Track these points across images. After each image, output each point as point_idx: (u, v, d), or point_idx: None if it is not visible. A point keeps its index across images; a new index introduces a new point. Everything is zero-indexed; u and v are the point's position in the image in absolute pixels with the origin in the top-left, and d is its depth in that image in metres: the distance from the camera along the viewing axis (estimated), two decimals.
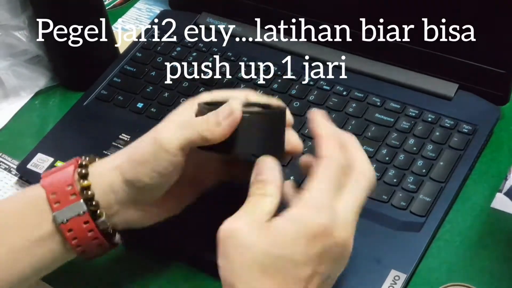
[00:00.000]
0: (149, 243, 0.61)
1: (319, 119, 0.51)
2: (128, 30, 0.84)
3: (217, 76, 0.74)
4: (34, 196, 0.53)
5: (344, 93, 0.70)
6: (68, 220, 0.51)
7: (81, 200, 0.51)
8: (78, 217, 0.51)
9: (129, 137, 0.69)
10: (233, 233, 0.45)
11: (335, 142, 0.49)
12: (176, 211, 0.56)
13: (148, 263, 0.61)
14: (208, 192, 0.57)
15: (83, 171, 0.52)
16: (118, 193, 0.52)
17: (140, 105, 0.73)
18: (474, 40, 0.66)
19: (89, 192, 0.52)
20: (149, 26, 0.81)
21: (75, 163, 0.54)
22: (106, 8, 0.77)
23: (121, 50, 0.79)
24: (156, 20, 0.82)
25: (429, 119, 0.66)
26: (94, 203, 0.52)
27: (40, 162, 0.69)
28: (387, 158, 0.64)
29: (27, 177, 0.69)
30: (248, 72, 0.74)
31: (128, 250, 0.61)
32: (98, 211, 0.52)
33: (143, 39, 0.79)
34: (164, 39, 0.78)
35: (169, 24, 0.80)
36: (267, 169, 0.49)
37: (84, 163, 0.53)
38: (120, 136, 0.70)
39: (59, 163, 0.68)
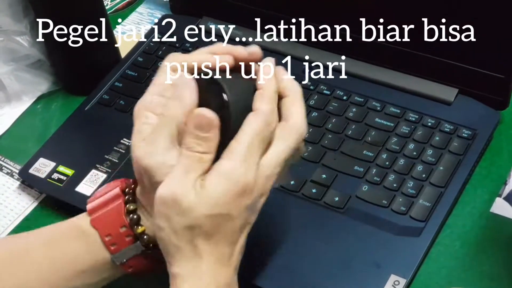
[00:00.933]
0: None
1: (266, 71, 0.51)
2: (130, 34, 0.85)
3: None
4: (88, 236, 0.52)
5: (344, 97, 0.70)
6: (128, 260, 0.52)
7: (138, 242, 0.52)
8: (137, 256, 0.52)
9: (130, 142, 0.69)
10: (173, 196, 0.46)
11: (272, 96, 0.50)
12: None
13: None
14: None
15: (135, 216, 0.52)
16: None
17: None
18: (474, 45, 0.66)
19: (145, 237, 0.52)
20: (151, 31, 0.81)
21: (122, 197, 0.53)
22: (108, 12, 0.78)
23: (123, 55, 0.79)
24: (157, 25, 0.82)
25: (429, 124, 0.66)
26: (150, 245, 0.52)
27: (42, 166, 0.69)
28: (387, 163, 0.64)
29: (29, 182, 0.70)
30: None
31: None
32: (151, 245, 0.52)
33: (144, 43, 0.79)
34: (166, 43, 0.79)
35: (170, 29, 0.80)
36: (210, 125, 0.48)
37: (131, 198, 0.52)
38: (122, 141, 0.70)
39: (61, 168, 0.69)
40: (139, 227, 0.52)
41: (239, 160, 0.47)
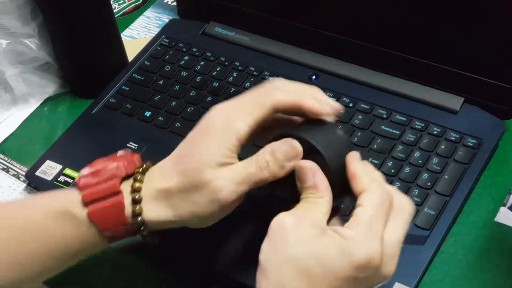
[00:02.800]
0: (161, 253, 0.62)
1: (353, 159, 0.50)
2: (137, 38, 0.85)
3: (225, 85, 0.74)
4: (84, 226, 0.52)
5: (351, 104, 0.70)
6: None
7: (137, 236, 0.52)
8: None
9: (136, 145, 0.70)
10: (287, 226, 0.46)
11: (371, 178, 0.49)
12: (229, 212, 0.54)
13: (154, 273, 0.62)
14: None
15: (137, 208, 0.51)
16: (170, 226, 0.53)
17: (148, 113, 0.73)
18: (481, 54, 0.66)
19: (143, 229, 0.52)
20: (158, 35, 0.81)
21: (121, 193, 0.52)
22: (115, 16, 0.78)
23: (130, 58, 0.79)
24: (164, 29, 0.82)
25: (435, 132, 0.67)
26: (145, 233, 0.52)
27: (49, 169, 0.69)
28: (392, 171, 0.64)
29: (35, 184, 0.70)
30: (255, 81, 0.74)
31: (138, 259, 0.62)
32: (143, 232, 0.52)
33: (151, 47, 0.80)
34: (172, 47, 0.79)
35: (177, 33, 0.81)
36: (313, 173, 0.49)
37: (136, 197, 0.52)
38: (128, 145, 0.70)
39: (68, 171, 0.69)
40: (142, 229, 0.52)
41: (361, 230, 0.46)
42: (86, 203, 0.52)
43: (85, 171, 0.53)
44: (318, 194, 0.49)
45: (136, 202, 0.51)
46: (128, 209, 0.51)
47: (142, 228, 0.52)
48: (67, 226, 0.52)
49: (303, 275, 0.45)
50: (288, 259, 0.45)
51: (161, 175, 0.52)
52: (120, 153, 0.55)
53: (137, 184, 0.52)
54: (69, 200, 0.52)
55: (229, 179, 0.50)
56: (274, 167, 0.50)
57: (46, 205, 0.53)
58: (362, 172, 0.49)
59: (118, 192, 0.52)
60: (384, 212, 0.47)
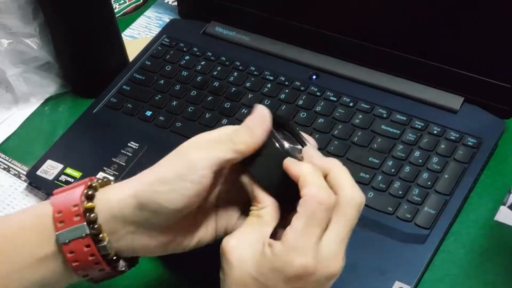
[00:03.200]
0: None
1: (289, 165, 0.49)
2: (138, 38, 0.85)
3: (225, 85, 0.75)
4: (42, 213, 0.51)
5: (351, 104, 0.71)
6: (70, 241, 0.49)
7: (85, 223, 0.49)
8: (79, 239, 0.49)
9: (137, 145, 0.70)
10: (229, 249, 0.48)
11: (315, 177, 0.48)
12: (185, 248, 0.53)
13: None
14: None
15: (90, 192, 0.50)
16: (127, 218, 0.50)
17: (148, 113, 0.73)
18: (481, 54, 0.67)
19: (92, 215, 0.49)
20: (159, 35, 0.82)
21: (86, 182, 0.51)
22: (116, 16, 0.78)
23: (131, 58, 0.80)
24: (165, 29, 0.83)
25: (435, 132, 0.67)
26: (96, 226, 0.49)
27: (50, 168, 0.70)
28: (392, 170, 0.64)
29: (36, 184, 0.70)
30: (255, 81, 0.75)
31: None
32: (101, 235, 0.50)
33: (152, 47, 0.80)
34: (173, 47, 0.79)
35: (178, 33, 0.81)
36: (251, 188, 0.50)
37: (94, 184, 0.51)
38: (129, 144, 0.71)
39: (69, 170, 0.69)
40: (89, 203, 0.50)
41: (290, 247, 0.46)
42: (53, 195, 0.52)
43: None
44: (260, 206, 0.49)
45: (90, 187, 0.51)
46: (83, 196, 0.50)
47: (90, 208, 0.50)
48: (31, 219, 0.52)
49: None
50: (233, 283, 0.47)
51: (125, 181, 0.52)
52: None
53: (93, 184, 0.51)
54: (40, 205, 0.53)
55: (201, 139, 0.50)
56: (245, 132, 0.49)
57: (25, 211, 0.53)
58: (303, 174, 0.48)
59: (84, 182, 0.51)
60: (320, 216, 0.47)
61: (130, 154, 0.70)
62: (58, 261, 0.50)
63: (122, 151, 0.70)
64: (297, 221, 0.47)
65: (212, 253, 0.56)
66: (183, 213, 0.50)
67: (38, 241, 0.51)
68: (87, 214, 0.50)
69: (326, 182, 0.48)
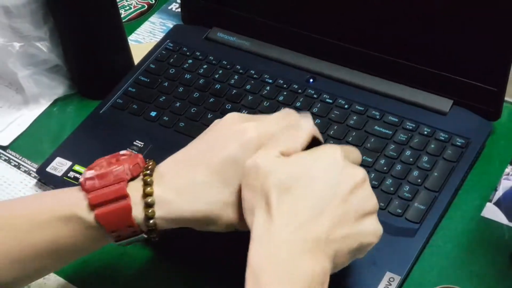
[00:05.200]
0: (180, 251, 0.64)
1: None
2: (143, 42, 0.88)
3: (226, 87, 0.77)
4: (93, 233, 0.52)
5: (346, 106, 0.73)
6: (129, 243, 0.53)
7: (142, 234, 0.53)
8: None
9: (142, 143, 0.73)
10: (256, 164, 0.49)
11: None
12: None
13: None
14: None
15: (150, 211, 0.52)
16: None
17: (153, 113, 0.76)
18: (469, 59, 0.69)
19: (152, 230, 0.52)
20: (163, 39, 0.84)
21: (129, 197, 0.52)
22: (122, 21, 0.80)
23: (136, 62, 0.82)
24: (169, 34, 0.85)
25: (425, 132, 0.69)
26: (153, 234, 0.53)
27: (59, 165, 0.72)
28: (385, 168, 0.67)
29: (46, 180, 0.73)
30: (255, 84, 0.77)
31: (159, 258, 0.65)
32: (153, 227, 0.52)
33: (156, 51, 0.82)
34: (176, 51, 0.82)
35: (181, 38, 0.83)
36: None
37: (149, 200, 0.52)
38: (134, 143, 0.73)
39: (77, 167, 0.72)
40: (151, 220, 0.52)
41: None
42: (93, 206, 0.52)
43: (90, 173, 0.53)
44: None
45: (148, 206, 0.52)
46: (137, 211, 0.52)
47: (153, 229, 0.52)
48: (75, 229, 0.52)
49: (290, 192, 0.48)
50: (271, 187, 0.48)
51: (172, 173, 0.53)
52: (123, 152, 0.56)
53: (148, 189, 0.52)
54: (75, 203, 0.52)
55: None
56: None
57: (51, 207, 0.53)
58: None
59: (125, 196, 0.52)
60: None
61: (136, 152, 0.72)
62: (90, 216, 0.52)
63: (128, 149, 0.72)
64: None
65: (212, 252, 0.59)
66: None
67: (85, 243, 0.53)
68: (150, 228, 0.52)
69: None
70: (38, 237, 0.53)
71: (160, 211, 0.52)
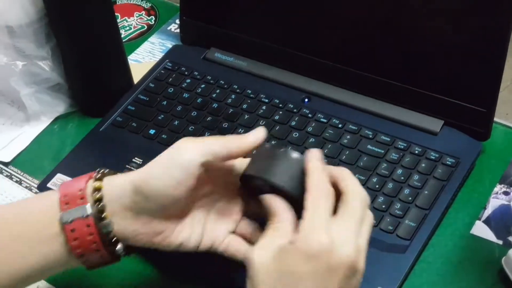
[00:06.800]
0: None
1: (312, 155, 0.55)
2: (142, 62, 0.89)
3: (223, 106, 0.79)
4: (49, 198, 0.56)
5: (340, 125, 0.75)
6: (72, 221, 0.54)
7: (88, 204, 0.54)
8: (82, 219, 0.54)
9: (141, 160, 0.74)
10: (252, 260, 0.51)
11: (323, 175, 0.53)
12: (170, 245, 0.57)
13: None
14: None
15: (98, 176, 0.56)
16: (125, 202, 0.55)
17: (152, 131, 0.78)
18: (459, 80, 0.71)
19: (99, 194, 0.55)
20: (162, 59, 0.86)
21: (92, 173, 0.57)
22: (123, 41, 0.82)
23: (136, 81, 0.83)
24: (168, 54, 0.87)
25: (416, 152, 0.71)
26: (101, 204, 0.54)
27: (60, 181, 0.73)
28: (377, 186, 0.69)
29: None
30: (252, 103, 0.79)
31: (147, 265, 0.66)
32: (104, 214, 0.54)
33: (156, 71, 0.84)
34: (175, 71, 0.83)
35: (180, 58, 0.85)
36: (282, 210, 0.54)
37: (103, 170, 0.57)
38: (134, 160, 0.75)
39: None
40: (97, 182, 0.55)
41: (306, 229, 0.50)
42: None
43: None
44: (278, 220, 0.54)
45: (98, 172, 0.57)
46: (89, 183, 0.56)
47: (100, 198, 0.54)
48: (40, 202, 0.57)
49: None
50: (261, 283, 0.50)
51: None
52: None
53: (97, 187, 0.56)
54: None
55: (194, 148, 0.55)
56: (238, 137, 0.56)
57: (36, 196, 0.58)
58: (310, 169, 0.54)
59: (91, 174, 0.57)
60: (323, 201, 0.52)
61: (134, 169, 0.73)
62: (60, 241, 0.55)
63: (127, 166, 0.74)
64: (305, 211, 0.51)
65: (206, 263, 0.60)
66: (172, 199, 0.54)
67: (44, 221, 0.55)
68: (95, 192, 0.55)
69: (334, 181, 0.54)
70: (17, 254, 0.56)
71: None
